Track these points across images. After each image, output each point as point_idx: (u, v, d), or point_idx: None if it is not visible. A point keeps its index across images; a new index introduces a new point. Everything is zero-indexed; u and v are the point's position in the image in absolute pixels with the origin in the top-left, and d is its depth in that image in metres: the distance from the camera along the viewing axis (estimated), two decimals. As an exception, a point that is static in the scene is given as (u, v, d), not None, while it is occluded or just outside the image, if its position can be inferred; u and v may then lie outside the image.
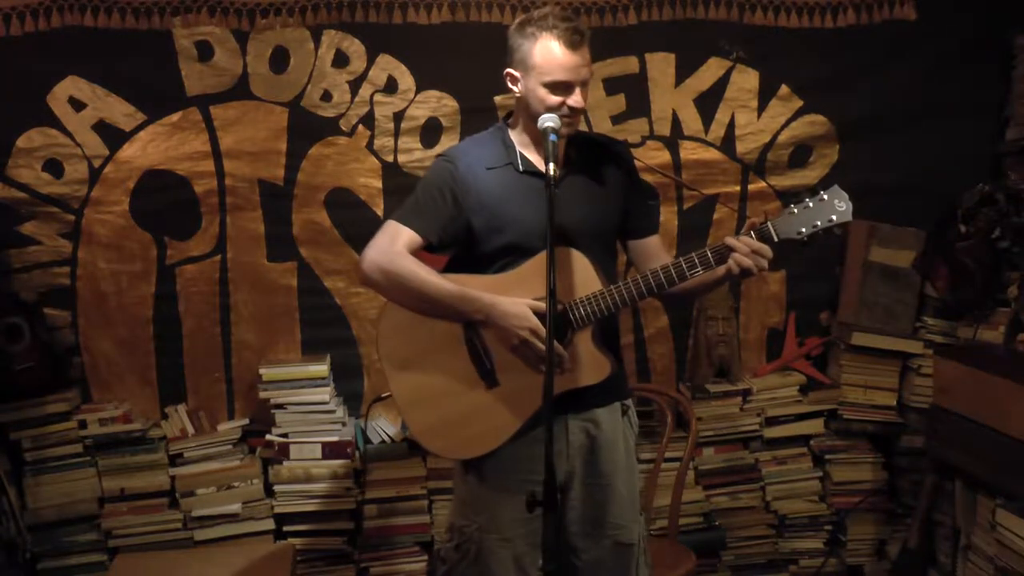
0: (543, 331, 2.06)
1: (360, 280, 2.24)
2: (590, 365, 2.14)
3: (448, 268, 2.28)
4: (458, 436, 2.20)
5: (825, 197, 2.05)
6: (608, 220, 2.27)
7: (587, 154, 2.26)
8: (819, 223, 2.05)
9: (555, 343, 2.04)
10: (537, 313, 2.09)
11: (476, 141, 2.31)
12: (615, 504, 2.26)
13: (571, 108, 2.10)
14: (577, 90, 2.11)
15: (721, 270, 2.09)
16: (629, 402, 2.35)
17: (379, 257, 2.16)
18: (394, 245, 2.16)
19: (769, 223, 2.06)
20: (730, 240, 2.06)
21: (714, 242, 3.48)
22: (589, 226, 2.20)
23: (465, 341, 2.18)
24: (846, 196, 2.06)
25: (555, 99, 2.10)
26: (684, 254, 2.13)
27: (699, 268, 2.10)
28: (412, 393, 2.22)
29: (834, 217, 2.04)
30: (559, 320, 2.10)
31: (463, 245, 2.24)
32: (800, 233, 2.05)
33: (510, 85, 2.20)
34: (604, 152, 2.30)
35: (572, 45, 2.08)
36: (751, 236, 2.06)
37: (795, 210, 2.06)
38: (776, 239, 2.06)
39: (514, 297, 2.13)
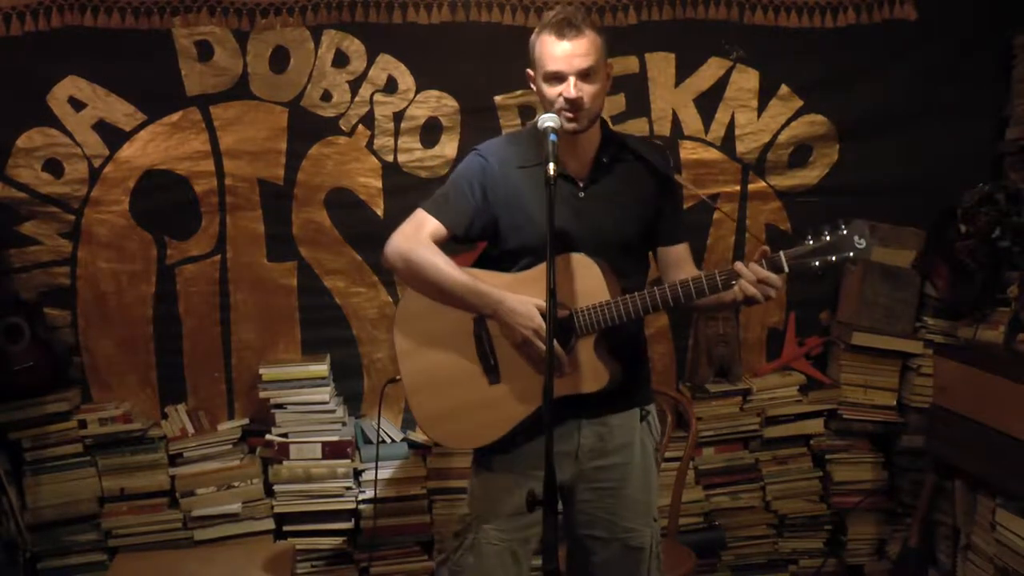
0: (546, 332, 2.06)
1: (383, 263, 2.26)
2: (588, 373, 2.14)
3: (477, 264, 2.30)
4: (456, 427, 2.23)
5: (845, 232, 2.00)
6: (635, 230, 2.23)
7: (621, 160, 2.23)
8: (833, 259, 2.00)
9: (556, 346, 2.04)
10: (544, 314, 2.08)
11: (512, 139, 2.31)
12: (626, 508, 2.25)
13: (565, 99, 2.08)
14: (571, 80, 2.08)
15: (728, 295, 2.07)
16: (651, 407, 2.33)
17: (403, 244, 2.19)
18: (419, 234, 2.18)
19: (782, 253, 2.02)
20: (738, 266, 2.03)
21: (714, 242, 3.53)
22: (614, 235, 2.18)
23: (473, 335, 2.19)
24: (867, 232, 2.00)
25: (552, 91, 2.10)
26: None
27: (707, 292, 2.08)
28: (418, 380, 2.25)
29: (851, 254, 2.00)
30: (563, 325, 2.11)
31: (490, 240, 2.25)
32: (813, 267, 2.01)
33: (531, 86, 2.21)
34: (639, 158, 2.26)
35: (561, 34, 2.07)
36: (762, 264, 2.03)
37: (811, 243, 2.02)
38: (787, 270, 2.02)
39: (526, 295, 2.13)
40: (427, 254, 2.16)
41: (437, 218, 2.19)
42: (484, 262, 2.28)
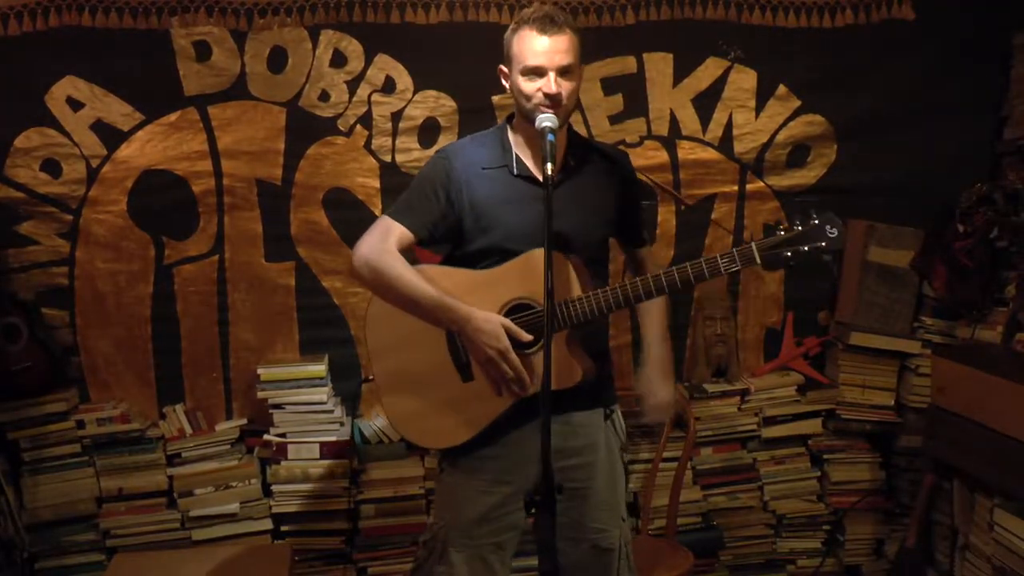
0: (511, 353, 2.08)
1: (349, 273, 2.26)
2: (562, 370, 2.13)
3: (444, 262, 2.30)
4: (429, 426, 2.22)
5: (816, 221, 2.04)
6: (600, 228, 2.27)
7: (586, 161, 2.26)
8: (805, 248, 2.04)
9: (518, 360, 2.07)
10: (510, 332, 2.10)
11: (476, 140, 2.32)
12: (593, 508, 2.25)
13: (545, 94, 2.10)
14: (551, 75, 2.10)
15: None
16: (615, 407, 2.34)
17: (369, 254, 2.18)
18: (385, 243, 2.18)
19: (753, 244, 2.05)
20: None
21: (712, 242, 3.53)
22: (580, 233, 2.20)
23: (445, 333, 2.19)
24: (839, 223, 2.04)
25: (531, 87, 2.11)
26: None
27: (679, 285, 2.09)
28: (391, 379, 2.25)
29: (823, 243, 2.03)
30: (535, 323, 2.12)
31: (454, 242, 2.25)
32: (785, 256, 2.05)
33: (503, 82, 2.23)
34: (603, 159, 2.30)
35: (543, 30, 2.10)
36: (735, 255, 2.05)
37: (782, 232, 2.05)
38: (759, 261, 2.05)
39: (494, 294, 2.14)
40: (394, 265, 2.16)
41: (402, 224, 2.20)
42: (448, 263, 2.28)
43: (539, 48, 2.09)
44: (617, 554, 2.28)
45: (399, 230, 2.19)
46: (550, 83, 2.09)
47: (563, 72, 2.11)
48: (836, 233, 2.04)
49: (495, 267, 2.17)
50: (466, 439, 2.18)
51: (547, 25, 2.10)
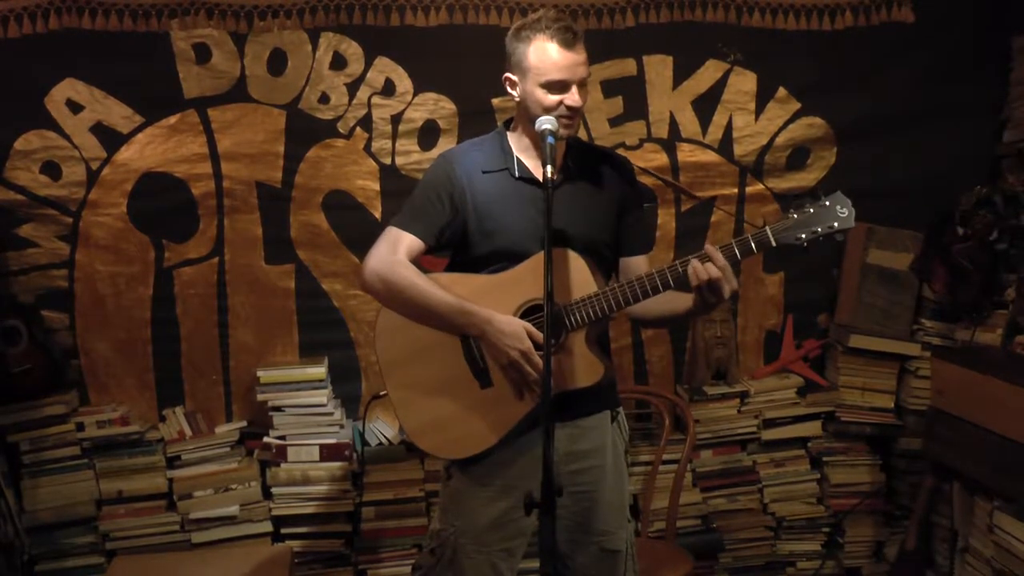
0: (535, 355, 2.06)
1: (361, 287, 2.24)
2: (583, 368, 2.13)
3: (447, 269, 2.29)
4: (449, 436, 2.20)
5: (827, 203, 2.03)
6: (602, 230, 2.25)
7: (585, 164, 2.26)
8: (819, 229, 2.02)
9: (540, 361, 2.04)
10: (532, 335, 2.08)
11: (476, 144, 2.31)
12: (601, 511, 2.25)
13: (568, 107, 2.10)
14: (574, 88, 2.10)
15: (682, 305, 2.10)
16: (620, 409, 2.33)
17: (379, 266, 2.16)
18: (395, 254, 2.16)
19: (767, 228, 2.04)
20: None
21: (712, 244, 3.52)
22: (582, 235, 2.19)
23: (461, 339, 2.18)
24: (848, 202, 2.03)
25: (552, 99, 2.10)
26: (683, 256, 2.12)
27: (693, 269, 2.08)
28: (406, 391, 2.22)
29: (835, 224, 2.02)
30: (553, 321, 2.09)
31: (458, 247, 2.25)
32: (799, 239, 2.03)
33: (509, 90, 2.20)
34: (603, 163, 2.29)
35: (566, 44, 2.08)
36: (750, 240, 2.04)
37: (795, 215, 2.04)
38: (774, 244, 2.03)
39: (509, 297, 2.13)
40: (407, 274, 2.14)
41: (410, 232, 2.18)
42: (451, 270, 2.27)
43: (563, 62, 2.08)
44: (623, 555, 2.29)
45: (408, 239, 2.17)
46: (574, 96, 2.09)
47: (581, 83, 2.12)
48: (847, 213, 2.02)
49: (506, 270, 2.16)
50: (491, 444, 2.16)
51: (569, 39, 2.08)
